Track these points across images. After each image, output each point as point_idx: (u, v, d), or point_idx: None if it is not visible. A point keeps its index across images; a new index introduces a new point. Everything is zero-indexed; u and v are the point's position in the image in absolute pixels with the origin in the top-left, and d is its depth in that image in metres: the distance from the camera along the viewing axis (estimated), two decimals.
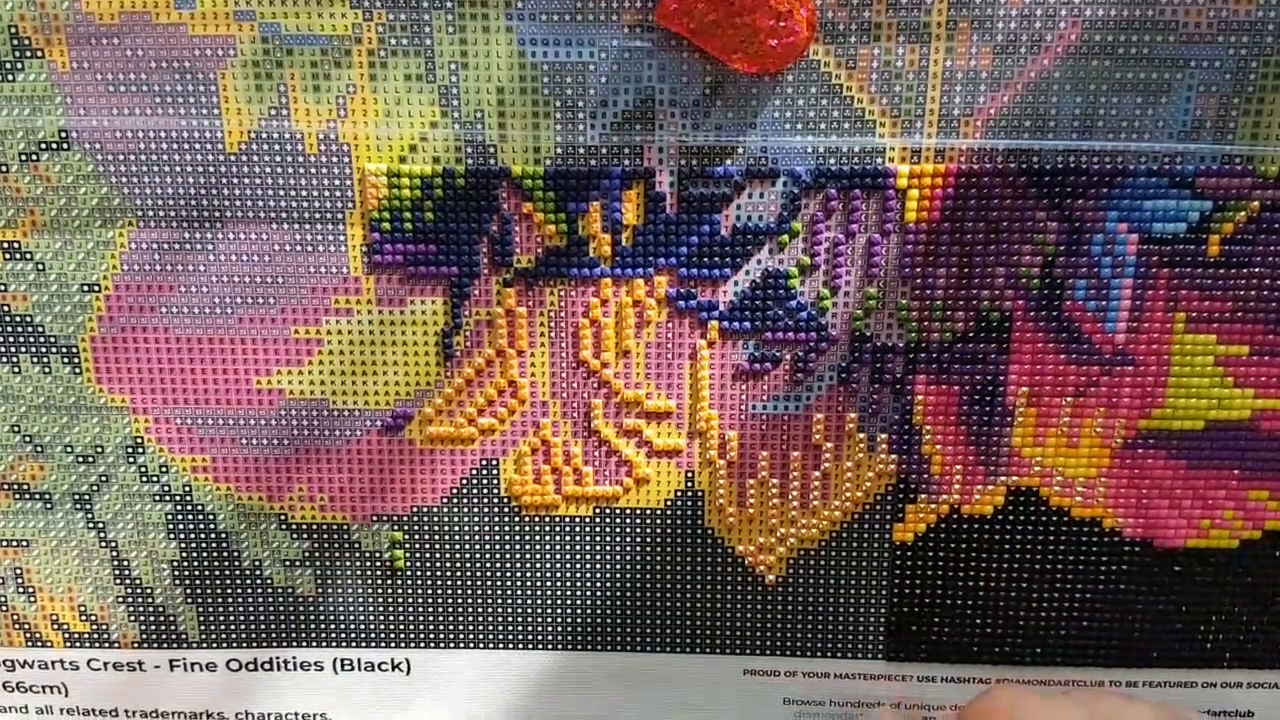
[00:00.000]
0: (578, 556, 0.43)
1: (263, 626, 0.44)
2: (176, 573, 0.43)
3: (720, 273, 0.39)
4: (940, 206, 0.38)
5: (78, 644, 0.44)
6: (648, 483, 0.42)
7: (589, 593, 0.43)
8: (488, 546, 0.42)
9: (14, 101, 0.37)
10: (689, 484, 0.42)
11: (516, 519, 0.42)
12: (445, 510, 0.42)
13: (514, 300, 0.39)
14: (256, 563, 0.43)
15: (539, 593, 0.43)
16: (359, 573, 0.43)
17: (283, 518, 0.42)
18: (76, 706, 0.45)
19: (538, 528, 0.42)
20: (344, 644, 0.44)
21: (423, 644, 0.44)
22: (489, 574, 0.43)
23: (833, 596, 0.43)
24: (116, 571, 0.43)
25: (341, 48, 0.36)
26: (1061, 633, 0.43)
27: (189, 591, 0.43)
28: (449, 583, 0.43)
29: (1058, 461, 0.41)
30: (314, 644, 0.44)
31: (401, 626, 0.44)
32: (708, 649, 0.44)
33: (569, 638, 0.44)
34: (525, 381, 0.40)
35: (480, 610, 0.43)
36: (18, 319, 0.40)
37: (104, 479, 0.42)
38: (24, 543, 0.43)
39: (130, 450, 0.41)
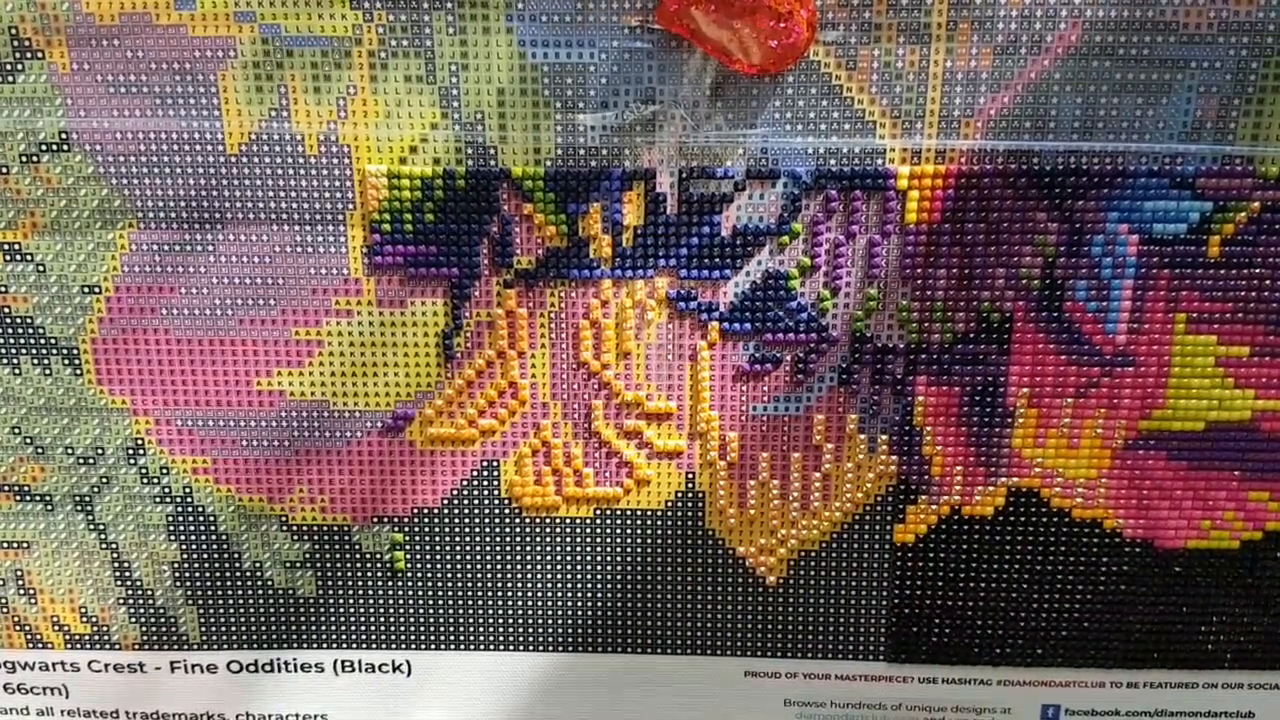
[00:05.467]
0: (578, 558, 0.43)
1: (263, 628, 0.44)
2: (177, 574, 0.43)
3: (720, 274, 0.39)
4: (941, 207, 0.38)
5: (78, 645, 0.44)
6: (648, 484, 0.42)
7: (590, 594, 0.43)
8: (488, 548, 0.42)
9: (14, 103, 0.37)
10: (689, 485, 0.42)
11: (517, 520, 0.42)
12: (446, 512, 0.42)
13: (514, 301, 0.39)
14: (257, 564, 0.43)
15: (540, 594, 0.43)
16: (360, 574, 0.43)
17: (283, 519, 0.42)
18: (77, 708, 0.45)
19: (538, 529, 0.42)
20: (345, 645, 0.44)
21: (423, 646, 0.44)
22: (490, 575, 0.43)
23: (834, 598, 0.43)
24: (117, 573, 0.43)
25: (342, 49, 0.36)
26: (1062, 633, 0.43)
27: (190, 593, 0.43)
28: (450, 584, 0.43)
29: (1058, 462, 0.41)
30: (315, 645, 0.44)
31: (402, 628, 0.44)
32: (709, 650, 0.44)
33: (570, 639, 0.44)
34: (526, 383, 0.40)
35: (481, 612, 0.43)
36: (18, 320, 0.40)
37: (105, 481, 0.42)
38: (25, 544, 0.43)
39: (131, 452, 0.41)
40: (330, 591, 0.43)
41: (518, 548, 0.43)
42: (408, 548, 0.42)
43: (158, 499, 0.42)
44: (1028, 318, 0.39)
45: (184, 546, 0.43)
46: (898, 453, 0.41)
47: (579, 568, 0.43)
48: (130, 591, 0.43)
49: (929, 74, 0.36)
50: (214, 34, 0.36)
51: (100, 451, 0.41)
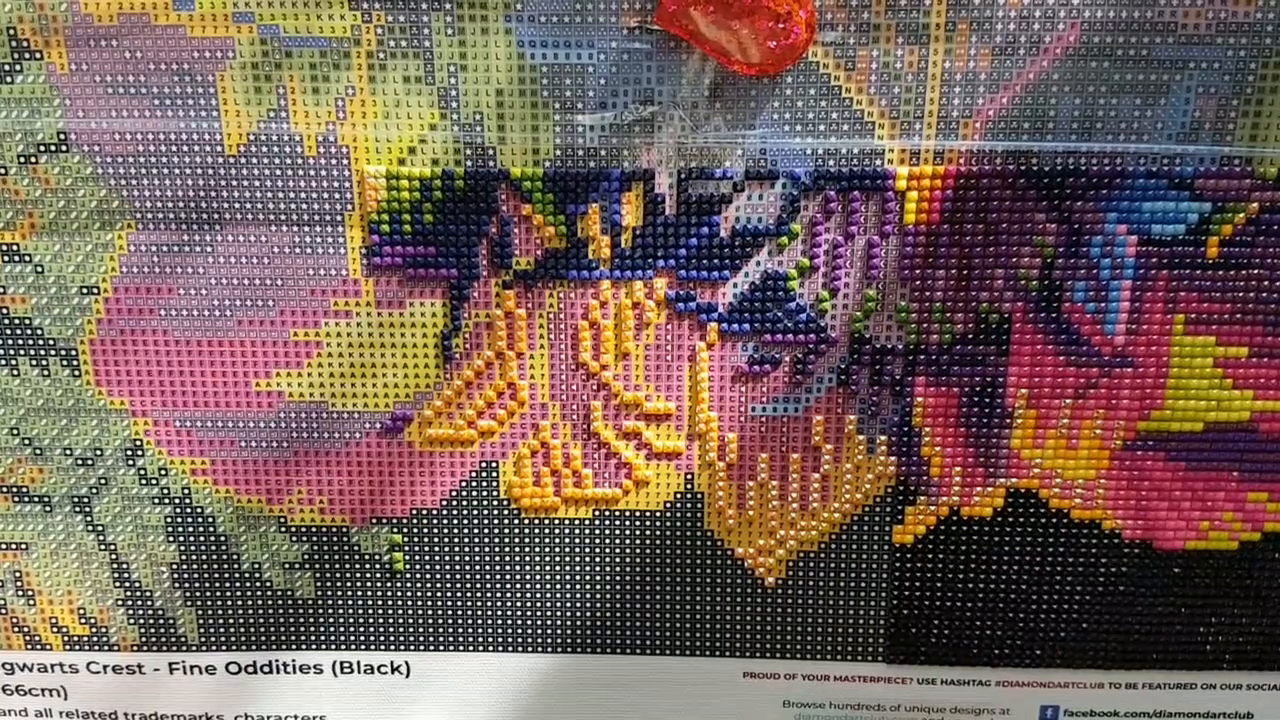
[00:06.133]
0: (577, 559, 0.43)
1: (262, 629, 0.44)
2: (176, 575, 0.43)
3: (719, 274, 0.39)
4: (939, 208, 0.38)
5: (77, 647, 0.44)
6: (647, 485, 0.42)
7: (588, 595, 0.43)
8: (487, 549, 0.42)
9: (13, 104, 0.37)
10: (688, 486, 0.42)
11: (516, 521, 0.42)
12: (445, 513, 0.42)
13: (513, 302, 0.39)
14: (256, 565, 0.43)
15: (539, 596, 0.43)
16: (358, 575, 0.43)
17: (282, 520, 0.42)
18: (76, 709, 0.45)
19: (537, 530, 0.42)
20: (343, 646, 0.44)
21: (422, 647, 0.44)
22: (489, 577, 0.43)
23: (832, 599, 0.43)
24: (116, 574, 0.43)
25: (340, 50, 0.36)
26: (1061, 634, 0.43)
27: (188, 594, 0.43)
28: (449, 585, 0.43)
29: (1057, 463, 0.41)
30: (313, 647, 0.44)
31: (401, 629, 0.44)
32: (707, 652, 0.44)
33: (568, 641, 0.44)
34: (524, 384, 0.40)
35: (480, 613, 0.43)
36: (16, 321, 0.40)
37: (103, 482, 0.42)
38: (23, 546, 0.43)
39: (129, 453, 0.41)
40: (329, 593, 0.43)
41: (517, 549, 0.43)
42: (406, 549, 0.42)
43: (156, 500, 0.42)
44: (1026, 319, 0.39)
45: (182, 547, 0.43)
46: (896, 454, 0.41)
47: (578, 569, 0.43)
48: (129, 593, 0.43)
49: (927, 75, 0.36)
50: (213, 34, 0.36)
51: (99, 452, 0.41)
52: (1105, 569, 0.42)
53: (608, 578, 0.43)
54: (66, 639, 0.44)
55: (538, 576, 0.43)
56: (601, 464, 0.41)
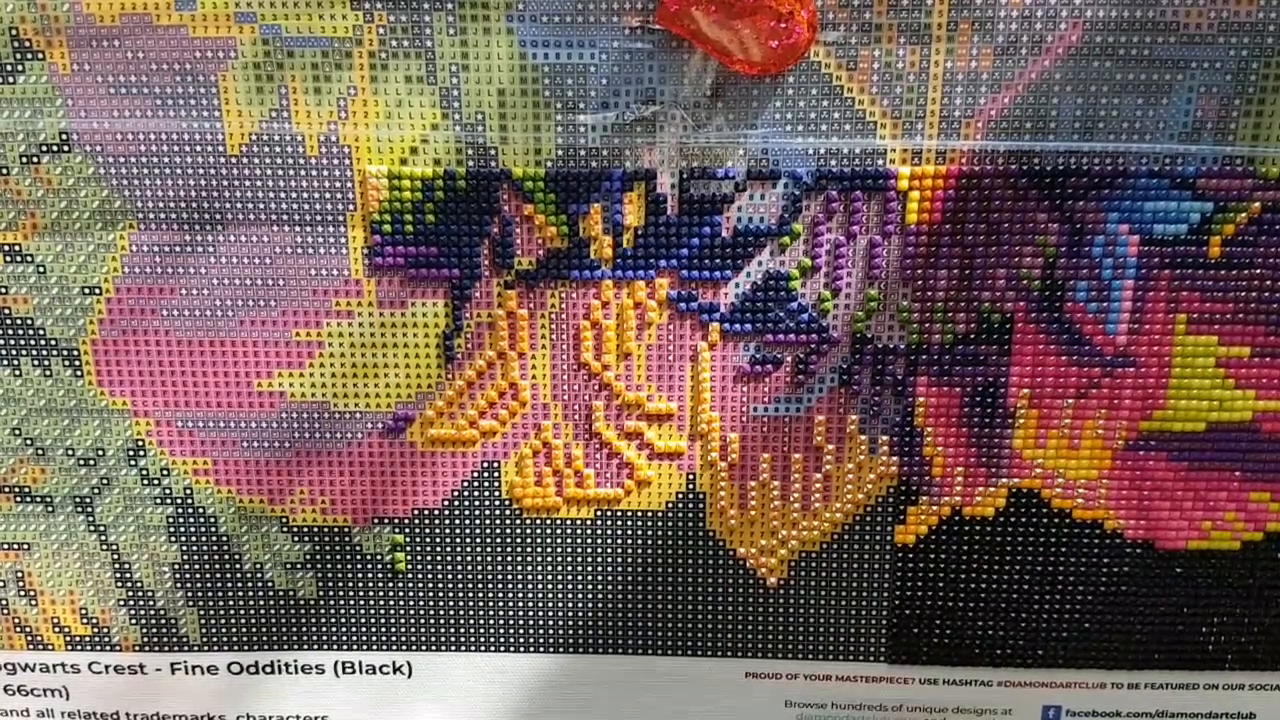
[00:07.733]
0: (579, 559, 0.43)
1: (264, 629, 0.44)
2: (178, 575, 0.43)
3: (721, 274, 0.39)
4: (941, 208, 0.38)
5: (79, 647, 0.44)
6: (649, 485, 0.42)
7: (590, 595, 0.43)
8: (489, 549, 0.42)
9: (15, 104, 0.37)
10: (690, 486, 0.42)
11: (518, 522, 0.42)
12: (447, 513, 0.42)
13: (515, 302, 0.39)
14: (258, 565, 0.43)
15: (540, 595, 0.43)
16: (360, 575, 0.43)
17: (284, 520, 0.42)
18: (77, 709, 0.45)
19: (539, 530, 0.42)
20: (345, 647, 0.44)
21: (424, 647, 0.44)
22: (490, 577, 0.43)
23: (834, 599, 0.43)
24: (118, 574, 0.43)
25: (342, 49, 0.36)
26: (1063, 634, 0.43)
27: (190, 594, 0.43)
28: (450, 585, 0.43)
29: (1059, 463, 0.41)
30: (315, 647, 0.44)
31: (403, 629, 0.44)
32: (709, 652, 0.44)
33: (570, 640, 0.44)
34: (526, 384, 0.40)
35: (482, 613, 0.43)
36: (19, 322, 0.40)
37: (105, 482, 0.42)
38: (25, 546, 0.43)
39: (131, 453, 0.41)
40: (331, 593, 0.43)
41: (518, 549, 0.43)
42: (408, 549, 0.42)
43: (158, 500, 0.42)
44: (1028, 318, 0.39)
45: (184, 548, 0.43)
46: (898, 454, 0.41)
47: (579, 569, 0.43)
48: (131, 593, 0.43)
49: (929, 74, 0.36)
50: (214, 35, 0.36)
51: (101, 453, 0.41)
52: (1107, 569, 0.42)
53: (609, 578, 0.43)
54: (68, 639, 0.44)
55: (539, 576, 0.43)
56: (603, 464, 0.41)
